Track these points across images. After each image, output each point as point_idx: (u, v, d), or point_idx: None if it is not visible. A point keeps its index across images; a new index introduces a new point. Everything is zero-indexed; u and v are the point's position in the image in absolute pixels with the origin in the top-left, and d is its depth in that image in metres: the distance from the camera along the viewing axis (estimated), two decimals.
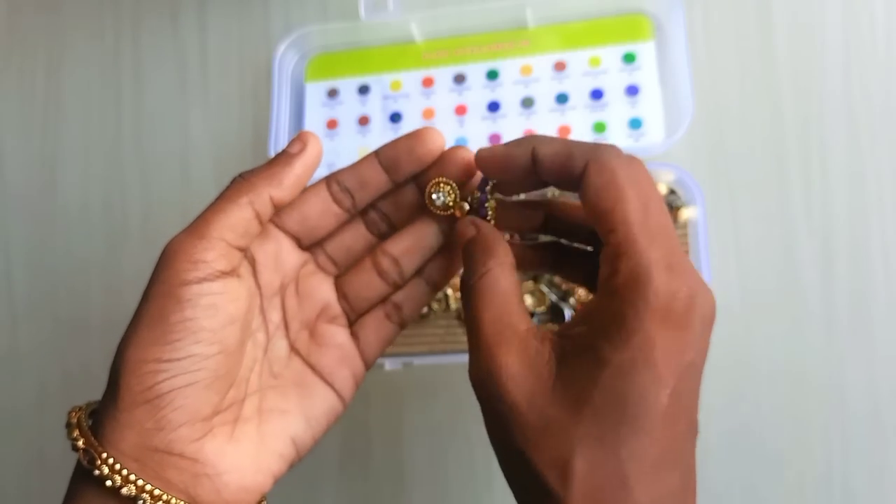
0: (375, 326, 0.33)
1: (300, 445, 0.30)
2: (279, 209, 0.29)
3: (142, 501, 0.25)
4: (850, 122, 0.46)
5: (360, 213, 0.32)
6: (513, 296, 0.28)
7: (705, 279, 0.41)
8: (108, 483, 0.25)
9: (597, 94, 0.47)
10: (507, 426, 0.26)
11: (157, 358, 0.26)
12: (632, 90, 0.46)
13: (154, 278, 0.27)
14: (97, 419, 0.26)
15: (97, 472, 0.25)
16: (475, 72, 0.49)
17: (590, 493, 0.24)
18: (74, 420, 0.27)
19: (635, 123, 0.46)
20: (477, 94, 0.49)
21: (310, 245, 0.32)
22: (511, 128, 0.48)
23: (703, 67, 0.47)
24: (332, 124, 0.50)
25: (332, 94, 0.51)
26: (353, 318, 0.33)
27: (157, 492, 0.26)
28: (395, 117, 0.49)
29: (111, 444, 0.26)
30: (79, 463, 0.26)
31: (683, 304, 0.25)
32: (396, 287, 0.33)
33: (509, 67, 0.49)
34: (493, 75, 0.49)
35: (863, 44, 0.47)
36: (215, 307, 0.27)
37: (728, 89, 0.48)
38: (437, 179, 0.30)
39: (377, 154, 0.31)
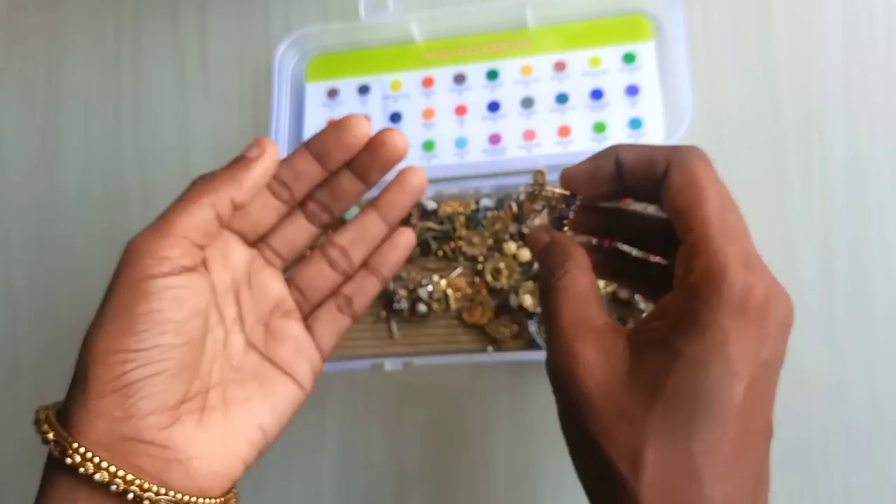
0: (329, 319, 0.34)
1: (268, 432, 0.32)
2: (237, 211, 0.31)
3: (115, 486, 0.26)
4: (850, 121, 0.46)
5: (300, 206, 0.34)
6: (591, 294, 0.29)
7: None
8: (81, 470, 0.26)
9: (597, 94, 0.47)
10: (580, 415, 0.26)
11: (124, 348, 0.27)
12: (632, 90, 0.46)
13: (118, 273, 0.28)
14: (65, 412, 0.27)
15: (69, 460, 0.26)
16: (475, 72, 0.49)
17: (660, 484, 0.25)
18: (42, 416, 0.27)
19: (635, 123, 0.46)
20: (477, 94, 0.49)
21: (255, 240, 0.33)
22: (511, 128, 0.48)
23: (703, 67, 0.47)
24: None
25: (333, 94, 0.51)
26: (308, 310, 0.35)
27: (129, 476, 0.26)
28: (395, 117, 0.49)
29: (81, 434, 0.27)
30: (50, 454, 0.27)
31: (759, 300, 0.25)
32: (347, 276, 0.35)
33: (509, 67, 0.49)
34: (493, 75, 0.49)
35: (863, 44, 0.47)
36: (181, 299, 0.28)
37: (728, 89, 0.48)
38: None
39: (307, 145, 0.32)
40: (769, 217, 0.46)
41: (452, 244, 0.47)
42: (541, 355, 0.44)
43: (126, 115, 0.56)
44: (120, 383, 0.27)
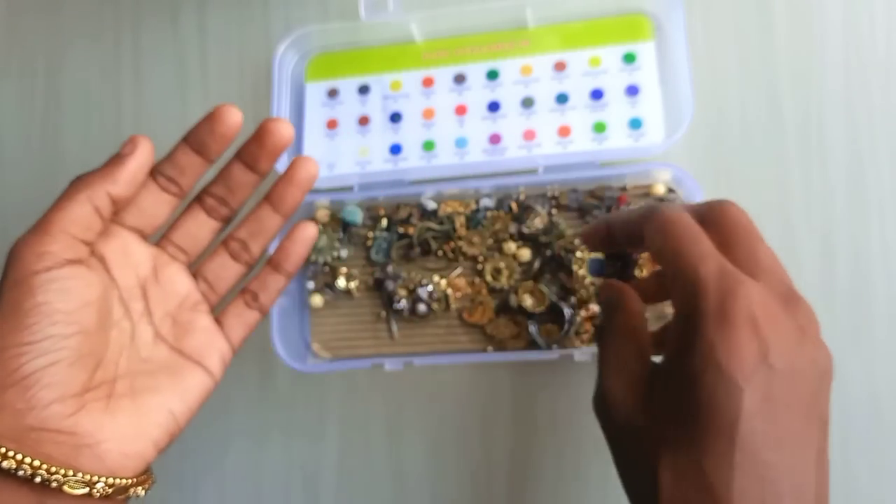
0: (237, 313, 0.37)
1: (178, 417, 0.33)
2: (119, 205, 0.32)
3: (22, 472, 0.27)
4: (850, 121, 0.46)
5: (198, 202, 0.36)
6: (632, 336, 0.32)
7: None
8: None
9: (597, 94, 0.47)
10: (612, 442, 0.31)
11: (16, 342, 0.28)
12: (632, 90, 0.46)
13: (4, 274, 0.29)
14: None
15: None
16: (475, 72, 0.49)
17: (676, 499, 0.26)
18: None
19: (635, 123, 0.46)
20: (477, 94, 0.49)
21: (156, 236, 0.35)
22: (511, 128, 0.48)
23: (703, 67, 0.47)
24: (332, 124, 0.50)
25: (333, 94, 0.51)
26: (216, 300, 0.37)
27: (36, 462, 0.27)
28: (396, 117, 0.49)
29: None
30: None
31: (742, 303, 0.26)
32: (250, 266, 0.37)
33: (509, 67, 0.49)
34: (493, 75, 0.49)
35: (863, 44, 0.47)
36: (67, 290, 0.29)
37: (728, 89, 0.48)
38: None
39: (185, 139, 0.34)
40: (769, 217, 0.46)
41: (452, 244, 0.47)
42: (541, 355, 0.44)
43: (126, 115, 0.56)
44: (18, 376, 0.27)
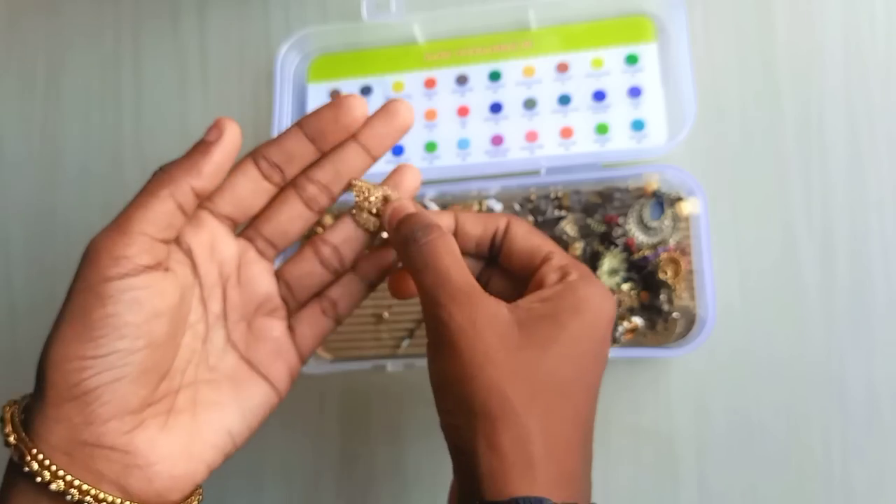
0: (311, 321, 0.33)
1: (236, 436, 0.31)
2: (202, 198, 0.29)
3: (70, 496, 0.26)
4: (850, 122, 0.46)
5: (296, 190, 0.32)
6: (461, 258, 0.31)
7: (707, 278, 0.42)
8: (38, 479, 0.26)
9: (599, 96, 0.47)
10: (479, 356, 0.28)
11: (81, 355, 0.26)
12: (634, 92, 0.47)
13: (77, 276, 0.27)
14: (29, 414, 0.27)
15: (27, 468, 0.26)
16: (477, 73, 0.49)
17: (545, 431, 0.28)
18: (8, 415, 0.27)
19: (638, 125, 0.46)
20: (479, 95, 0.49)
21: (246, 227, 0.33)
22: (513, 129, 0.48)
23: (704, 69, 0.47)
24: None
25: (335, 95, 0.51)
26: (294, 307, 0.33)
27: (84, 486, 0.26)
28: None
29: (41, 439, 0.26)
30: (11, 458, 0.27)
31: (608, 312, 0.30)
32: (338, 275, 0.34)
33: (512, 69, 0.49)
34: (495, 76, 0.49)
35: (863, 45, 0.47)
36: (139, 302, 0.27)
37: (729, 90, 0.48)
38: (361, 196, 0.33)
39: (301, 125, 0.31)
40: (770, 217, 0.46)
41: None
42: None
43: (126, 115, 0.56)
44: (78, 391, 0.26)
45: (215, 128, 0.29)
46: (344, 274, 0.34)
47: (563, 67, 0.48)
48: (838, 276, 0.45)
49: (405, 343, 0.48)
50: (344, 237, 0.33)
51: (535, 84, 0.48)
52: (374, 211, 0.32)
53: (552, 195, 0.46)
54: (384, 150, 0.32)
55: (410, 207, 0.32)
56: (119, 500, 0.26)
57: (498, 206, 0.47)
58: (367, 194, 0.32)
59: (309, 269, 0.33)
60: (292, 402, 0.50)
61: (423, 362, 0.45)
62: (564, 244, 0.46)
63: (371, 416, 0.50)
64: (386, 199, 0.32)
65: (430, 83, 0.49)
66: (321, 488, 0.50)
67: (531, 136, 0.47)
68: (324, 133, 0.31)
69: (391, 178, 0.33)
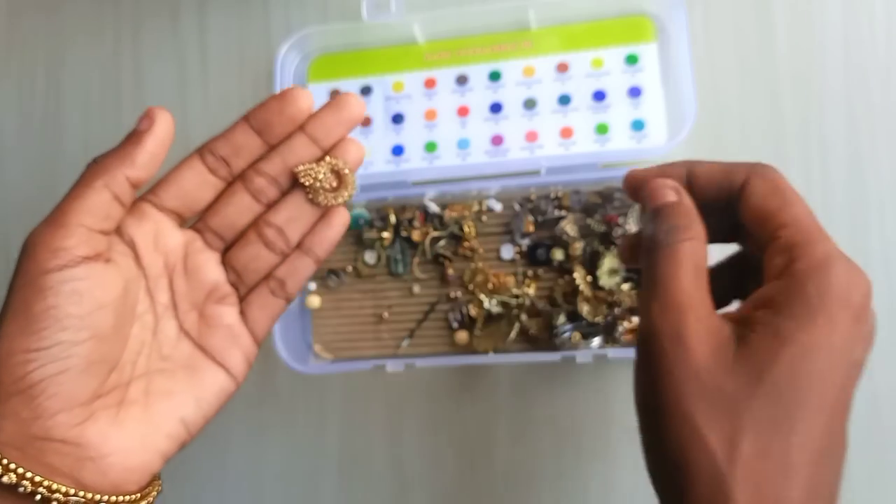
0: (262, 303, 0.33)
1: (190, 425, 0.31)
2: (139, 188, 0.29)
3: (22, 489, 0.26)
4: (850, 122, 0.46)
5: (244, 183, 0.32)
6: (705, 272, 0.28)
7: None
8: None
9: (599, 96, 0.47)
10: (678, 389, 0.25)
11: (24, 348, 0.26)
12: (634, 92, 0.47)
13: (17, 272, 0.27)
14: None
15: None
16: (477, 73, 0.49)
17: (753, 476, 0.24)
18: None
19: (638, 125, 0.46)
20: (479, 95, 0.49)
21: (194, 220, 0.32)
22: (513, 129, 0.48)
23: (704, 69, 0.47)
24: None
25: (335, 94, 0.51)
26: (244, 293, 0.33)
27: (37, 478, 0.26)
28: (398, 118, 0.49)
29: None
30: None
31: (862, 297, 0.26)
32: (284, 255, 0.33)
33: (512, 69, 0.49)
34: (495, 76, 0.49)
35: (863, 45, 0.47)
36: (79, 293, 0.27)
37: (729, 91, 0.48)
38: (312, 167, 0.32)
39: (247, 118, 0.31)
40: None
41: (467, 244, 0.47)
42: (541, 356, 0.44)
43: (126, 115, 0.56)
44: (24, 384, 0.26)
45: (146, 117, 0.30)
46: (291, 253, 0.33)
47: (563, 67, 0.48)
48: None
49: (405, 343, 0.48)
50: (287, 217, 0.32)
51: (535, 84, 0.48)
52: (329, 186, 0.32)
53: (552, 195, 0.46)
54: (332, 141, 0.32)
55: (671, 193, 0.29)
56: (73, 490, 0.26)
57: (498, 207, 0.47)
58: (314, 176, 0.32)
59: (254, 253, 0.33)
60: (292, 402, 0.50)
61: (423, 362, 0.45)
62: (564, 244, 0.46)
63: (371, 416, 0.50)
64: (334, 171, 0.32)
65: (430, 83, 0.49)
66: (321, 488, 0.50)
67: (531, 136, 0.47)
68: (270, 125, 0.31)
69: (334, 150, 0.32)
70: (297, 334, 0.48)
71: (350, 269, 0.49)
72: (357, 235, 0.49)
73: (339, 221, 0.33)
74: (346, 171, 0.32)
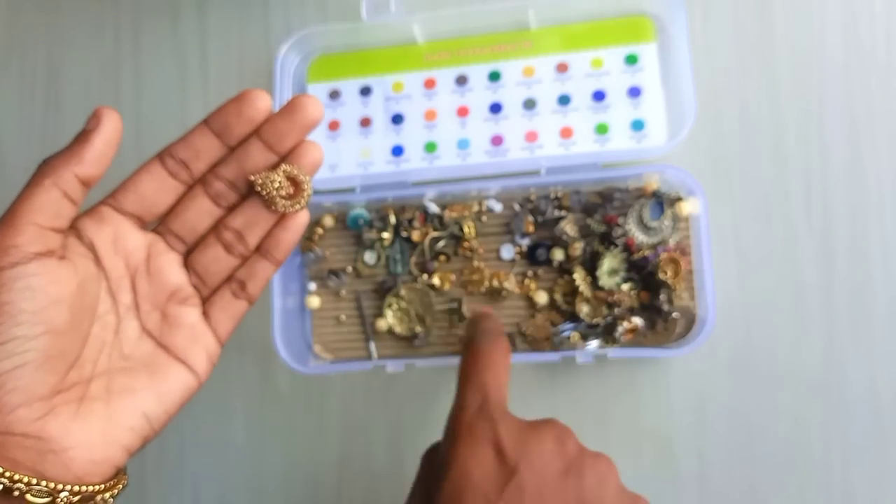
0: (224, 304, 0.34)
1: (153, 420, 0.31)
2: (89, 186, 0.30)
3: None
4: (850, 122, 0.46)
5: (204, 187, 0.33)
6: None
7: (707, 278, 0.42)
8: None
9: (599, 96, 0.47)
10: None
11: None
12: (634, 92, 0.47)
13: None
14: None
15: None
16: (477, 73, 0.49)
17: None
18: None
19: (637, 125, 0.46)
20: (479, 95, 0.49)
21: (154, 223, 0.33)
22: (513, 129, 0.48)
23: (704, 69, 0.47)
24: (333, 126, 0.50)
25: (334, 95, 0.51)
26: (207, 294, 0.34)
27: None
28: (397, 118, 0.49)
29: None
30: None
31: (484, 426, 0.34)
32: (244, 258, 0.34)
33: (511, 69, 0.49)
34: (495, 77, 0.49)
35: (863, 45, 0.47)
36: (31, 289, 0.27)
37: (729, 90, 0.48)
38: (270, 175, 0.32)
39: (207, 121, 0.32)
40: (770, 218, 0.46)
41: (467, 244, 0.47)
42: (541, 357, 0.44)
43: (126, 115, 0.55)
44: None
45: (94, 117, 0.30)
46: (250, 256, 0.34)
47: (562, 67, 0.48)
48: (838, 276, 0.45)
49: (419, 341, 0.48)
50: (245, 221, 0.33)
51: (535, 84, 0.48)
52: (285, 193, 0.32)
53: (552, 195, 0.46)
54: (288, 147, 0.32)
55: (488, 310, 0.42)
56: (35, 480, 0.27)
57: (498, 207, 0.47)
58: (271, 185, 0.32)
59: (215, 256, 0.33)
60: (292, 402, 0.50)
61: (423, 362, 0.45)
62: (564, 244, 0.46)
63: (371, 416, 0.50)
64: (290, 178, 0.32)
65: (429, 83, 0.49)
66: (321, 489, 0.50)
67: (531, 137, 0.47)
68: (228, 127, 0.31)
69: (291, 155, 0.33)
70: (297, 334, 0.48)
71: (350, 269, 0.49)
72: (357, 235, 0.49)
73: (297, 225, 0.34)
74: (302, 177, 0.32)
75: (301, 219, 0.34)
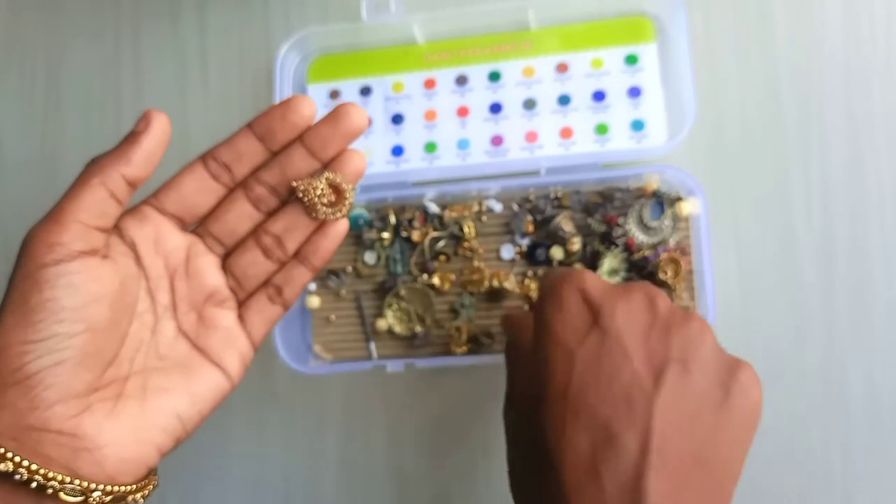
0: (260, 308, 0.34)
1: (186, 421, 0.31)
2: (135, 187, 0.30)
3: (18, 476, 0.26)
4: (850, 122, 0.46)
5: (245, 191, 0.33)
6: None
7: (707, 278, 0.42)
8: None
9: (599, 96, 0.47)
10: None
11: (21, 340, 0.27)
12: (634, 92, 0.47)
13: (16, 267, 0.28)
14: None
15: None
16: (477, 73, 0.49)
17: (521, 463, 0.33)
18: None
19: (637, 125, 0.46)
20: (479, 95, 0.49)
21: (194, 225, 0.33)
22: (513, 129, 0.48)
23: (704, 69, 0.47)
24: None
25: (334, 95, 0.51)
26: (243, 298, 0.34)
27: (33, 466, 0.26)
28: (397, 119, 0.49)
29: None
30: None
31: (566, 281, 0.33)
32: (282, 263, 0.34)
33: (511, 69, 0.49)
34: (495, 77, 0.49)
35: (863, 45, 0.47)
36: (74, 286, 0.28)
37: (729, 91, 0.48)
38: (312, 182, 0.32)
39: (251, 125, 0.32)
40: (770, 217, 0.46)
41: (467, 244, 0.47)
42: None
43: (126, 115, 0.56)
44: (21, 375, 0.27)
45: (143, 119, 0.30)
46: (288, 261, 0.34)
47: (562, 67, 0.48)
48: (838, 276, 0.45)
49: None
50: (285, 227, 0.33)
51: (535, 84, 0.48)
52: (327, 201, 0.32)
53: (552, 195, 0.46)
54: (330, 154, 0.32)
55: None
56: (69, 479, 0.27)
57: (498, 207, 0.47)
58: (313, 192, 0.32)
59: (253, 260, 0.34)
60: (292, 402, 0.50)
61: (423, 362, 0.45)
62: (562, 241, 0.46)
63: (371, 416, 0.50)
64: (332, 185, 0.32)
65: (429, 83, 0.50)
66: (321, 488, 0.50)
67: (531, 137, 0.47)
68: (272, 132, 0.32)
69: (334, 163, 0.33)
70: (297, 334, 0.48)
71: (350, 269, 0.49)
72: (357, 235, 0.49)
73: (336, 233, 0.34)
74: (345, 185, 0.32)
75: (341, 226, 0.34)
